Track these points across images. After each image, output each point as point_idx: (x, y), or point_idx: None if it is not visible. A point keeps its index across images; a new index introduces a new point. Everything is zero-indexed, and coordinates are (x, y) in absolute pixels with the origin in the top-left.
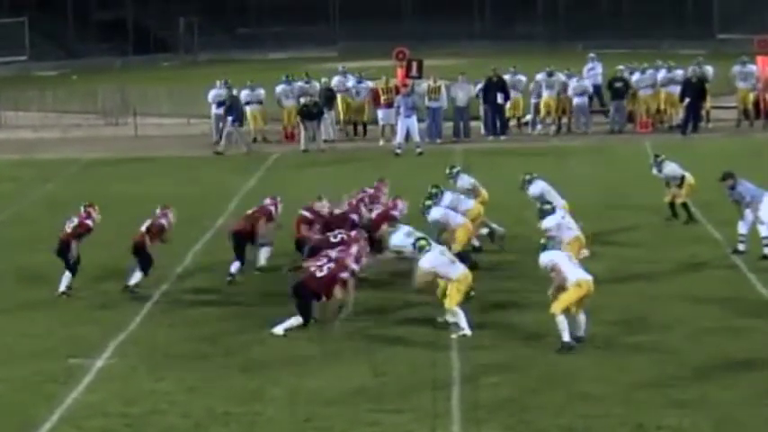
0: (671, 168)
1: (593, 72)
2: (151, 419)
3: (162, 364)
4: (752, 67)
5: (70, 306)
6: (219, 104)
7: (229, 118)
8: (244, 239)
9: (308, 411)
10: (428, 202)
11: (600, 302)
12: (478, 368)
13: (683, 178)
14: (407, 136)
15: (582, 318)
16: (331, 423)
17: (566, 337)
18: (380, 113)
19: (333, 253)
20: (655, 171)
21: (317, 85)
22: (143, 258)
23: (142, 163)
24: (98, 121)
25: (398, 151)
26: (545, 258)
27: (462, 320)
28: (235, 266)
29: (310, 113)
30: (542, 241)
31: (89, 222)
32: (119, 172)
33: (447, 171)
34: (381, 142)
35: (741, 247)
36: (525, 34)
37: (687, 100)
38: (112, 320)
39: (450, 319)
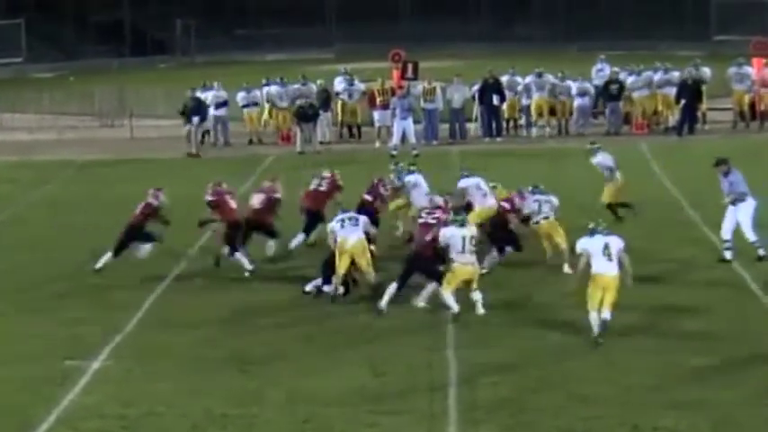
0: (602, 158)
1: (601, 73)
2: (148, 421)
3: (159, 366)
4: (748, 69)
5: (67, 307)
6: (218, 106)
7: (195, 119)
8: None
9: (306, 412)
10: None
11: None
12: (476, 369)
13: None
14: (403, 138)
15: (604, 316)
16: (329, 424)
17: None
18: (376, 115)
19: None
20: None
21: (313, 86)
22: (143, 236)
23: (139, 164)
24: (94, 122)
25: (394, 153)
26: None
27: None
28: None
29: (306, 115)
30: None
31: (154, 201)
32: (116, 173)
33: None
34: (377, 144)
35: (728, 255)
36: (523, 36)
37: (683, 101)
38: (109, 322)
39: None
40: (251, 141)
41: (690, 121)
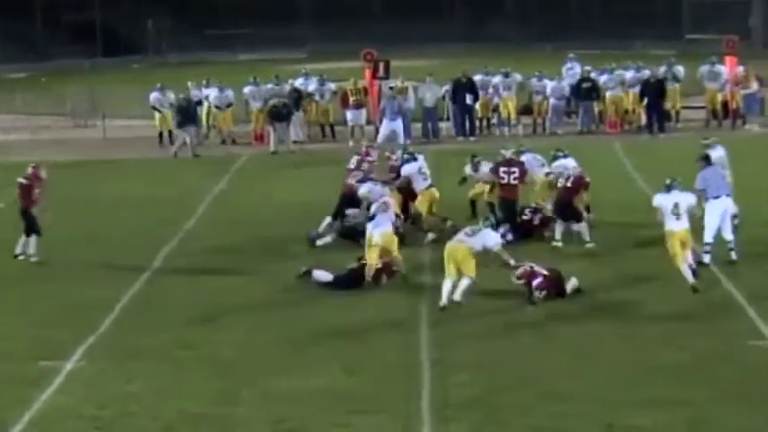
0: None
1: (571, 72)
2: (122, 422)
3: (132, 367)
4: (720, 68)
5: (40, 308)
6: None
7: (192, 128)
8: None
9: (280, 412)
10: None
11: (569, 301)
12: (449, 367)
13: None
14: (387, 137)
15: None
16: (303, 424)
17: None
18: (349, 114)
19: None
20: (469, 170)
21: (286, 86)
22: (29, 221)
23: (111, 165)
24: (67, 123)
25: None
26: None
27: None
28: None
29: (279, 115)
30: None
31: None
32: (89, 174)
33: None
34: (351, 143)
35: (706, 258)
36: (495, 35)
37: (646, 100)
38: (83, 323)
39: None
40: (224, 141)
41: (658, 120)
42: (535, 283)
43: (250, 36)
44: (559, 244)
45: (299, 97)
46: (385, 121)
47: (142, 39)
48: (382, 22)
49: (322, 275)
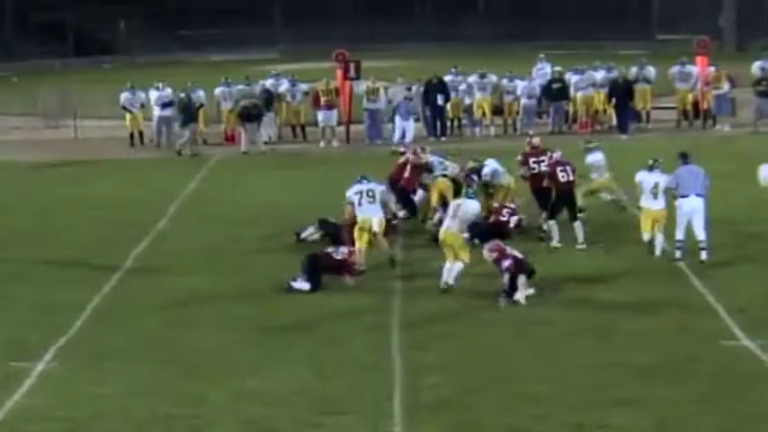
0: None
1: (541, 72)
2: (93, 423)
3: (104, 368)
4: (691, 68)
5: (11, 308)
6: (163, 106)
7: (194, 125)
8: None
9: (250, 413)
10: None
11: (541, 302)
12: (421, 368)
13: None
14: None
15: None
16: (274, 425)
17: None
18: (320, 115)
19: None
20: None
21: (257, 87)
22: None
23: (83, 165)
24: (39, 123)
25: (395, 149)
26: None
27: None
28: None
29: (250, 115)
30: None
31: None
32: (60, 174)
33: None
34: (322, 144)
35: (677, 254)
36: (467, 35)
37: (614, 100)
38: (54, 323)
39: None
40: (195, 142)
41: (621, 121)
42: (505, 264)
43: (222, 36)
44: (559, 245)
45: (270, 98)
46: (398, 121)
47: (114, 39)
48: (354, 23)
49: (302, 286)
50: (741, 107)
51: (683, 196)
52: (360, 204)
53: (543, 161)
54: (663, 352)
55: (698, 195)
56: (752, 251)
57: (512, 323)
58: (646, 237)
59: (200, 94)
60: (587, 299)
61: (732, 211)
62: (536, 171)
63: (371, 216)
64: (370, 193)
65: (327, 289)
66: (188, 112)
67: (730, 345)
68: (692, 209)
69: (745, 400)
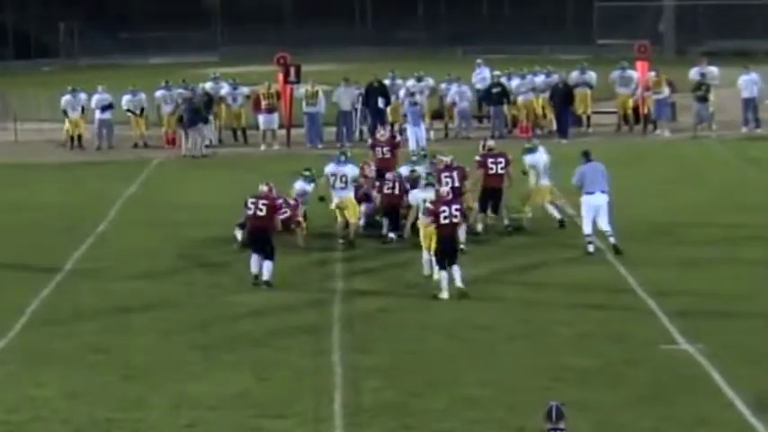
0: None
1: (480, 76)
2: (32, 426)
3: (43, 372)
4: (631, 73)
5: None
6: (104, 109)
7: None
8: None
9: (190, 417)
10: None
11: (481, 306)
12: (361, 372)
13: None
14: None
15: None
16: (213, 429)
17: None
18: (261, 119)
19: None
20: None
21: (198, 90)
22: None
23: (23, 169)
24: None
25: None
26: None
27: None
28: None
29: (191, 118)
30: None
31: None
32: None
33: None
34: (263, 147)
35: (590, 248)
36: (407, 39)
37: (554, 105)
38: None
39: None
40: (136, 145)
41: (561, 125)
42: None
43: (161, 39)
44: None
45: (210, 101)
46: (409, 128)
47: (54, 41)
48: (294, 26)
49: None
50: (681, 112)
51: (588, 193)
52: (333, 187)
53: (501, 163)
54: (602, 356)
55: (602, 192)
56: (691, 255)
57: (451, 327)
58: (545, 206)
59: (106, 96)
60: (527, 302)
61: (671, 215)
62: (493, 172)
63: (343, 198)
64: (343, 179)
65: (268, 291)
66: (203, 111)
67: (670, 349)
68: (599, 205)
69: (683, 404)
